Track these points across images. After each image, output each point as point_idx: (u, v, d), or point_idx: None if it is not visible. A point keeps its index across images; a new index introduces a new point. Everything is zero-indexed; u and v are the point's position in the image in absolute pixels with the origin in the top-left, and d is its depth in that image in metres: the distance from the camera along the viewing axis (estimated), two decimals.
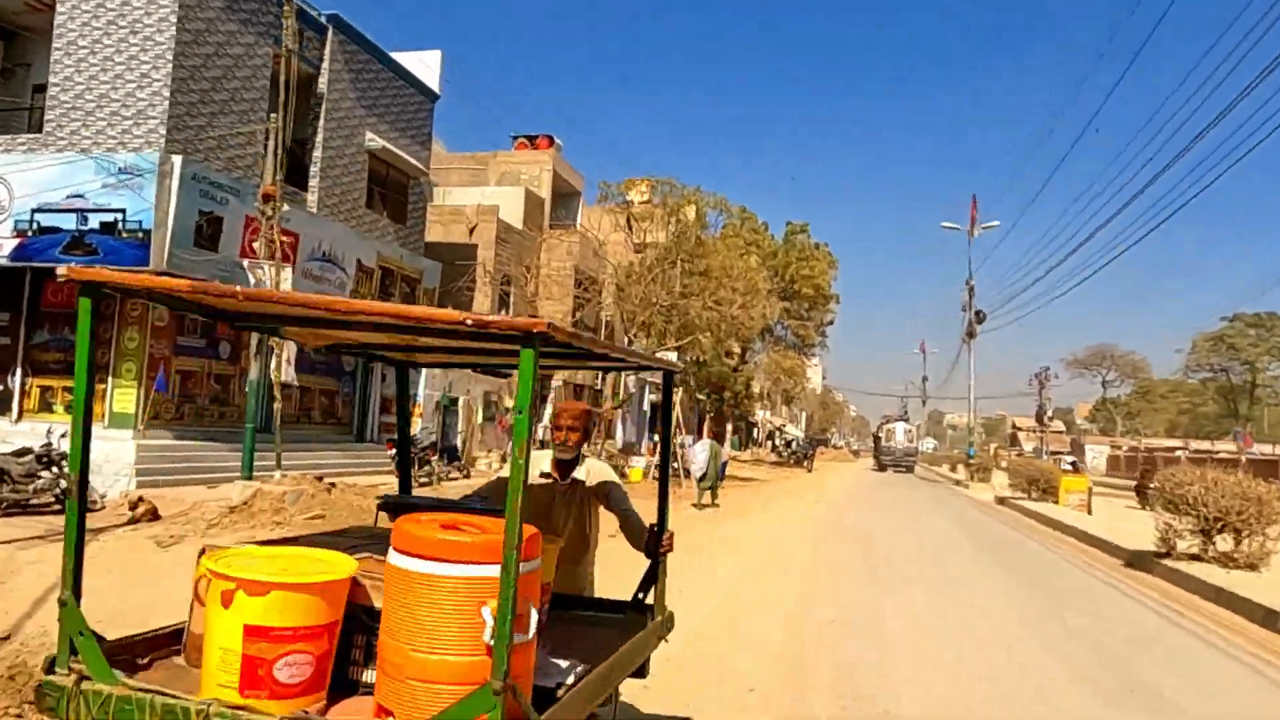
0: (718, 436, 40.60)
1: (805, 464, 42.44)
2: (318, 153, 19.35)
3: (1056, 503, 23.91)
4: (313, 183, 19.36)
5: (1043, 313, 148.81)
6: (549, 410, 31.23)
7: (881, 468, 56.18)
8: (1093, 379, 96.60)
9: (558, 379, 30.85)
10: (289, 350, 13.44)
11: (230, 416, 17.54)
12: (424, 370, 23.88)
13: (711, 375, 35.90)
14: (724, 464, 22.71)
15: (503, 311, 28.47)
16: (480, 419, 26.62)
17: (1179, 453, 73.53)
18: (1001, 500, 25.94)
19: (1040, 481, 24.03)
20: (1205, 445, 79.73)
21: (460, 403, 24.89)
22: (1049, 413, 79.55)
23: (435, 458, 20.64)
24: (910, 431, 63.95)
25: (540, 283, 30.02)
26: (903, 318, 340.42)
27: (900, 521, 19.13)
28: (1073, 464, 30.17)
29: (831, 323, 47.55)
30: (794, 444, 59.77)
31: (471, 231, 27.78)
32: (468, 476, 22.26)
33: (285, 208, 14.30)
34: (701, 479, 20.59)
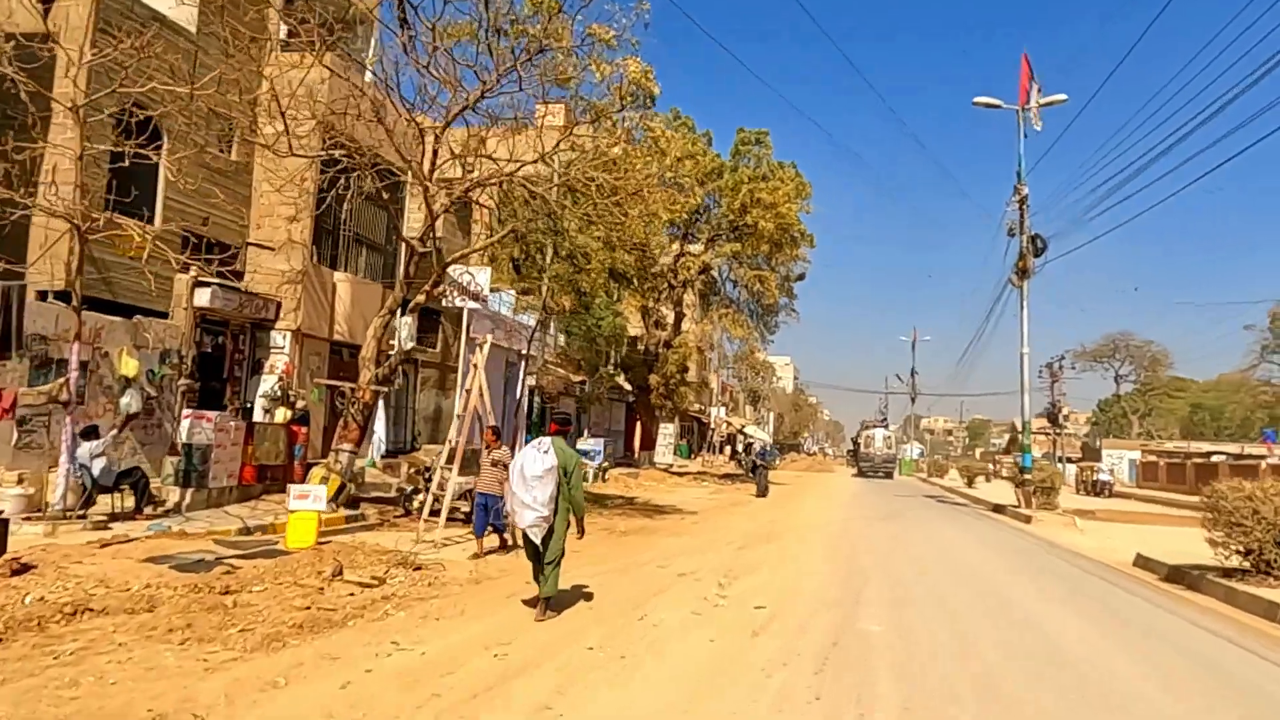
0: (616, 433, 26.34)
1: (756, 481, 27.99)
2: None
3: None
4: None
5: (1059, 292, 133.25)
6: (268, 382, 16.75)
7: (861, 474, 53.94)
8: (1105, 373, 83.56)
9: (282, 328, 16.27)
10: None
11: None
12: None
13: (605, 333, 21.30)
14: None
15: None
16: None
17: (1215, 458, 60.74)
18: (1183, 576, 11.71)
19: None
20: (1235, 449, 67.17)
21: None
22: (1064, 411, 66.25)
23: None
24: (889, 438, 61.38)
25: (259, 135, 15.46)
26: (890, 299, 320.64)
27: None
28: None
29: (802, 277, 33.60)
30: (754, 451, 45.60)
31: (48, 10, 13.26)
32: None
33: None
34: (545, 549, 6.62)
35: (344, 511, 14.20)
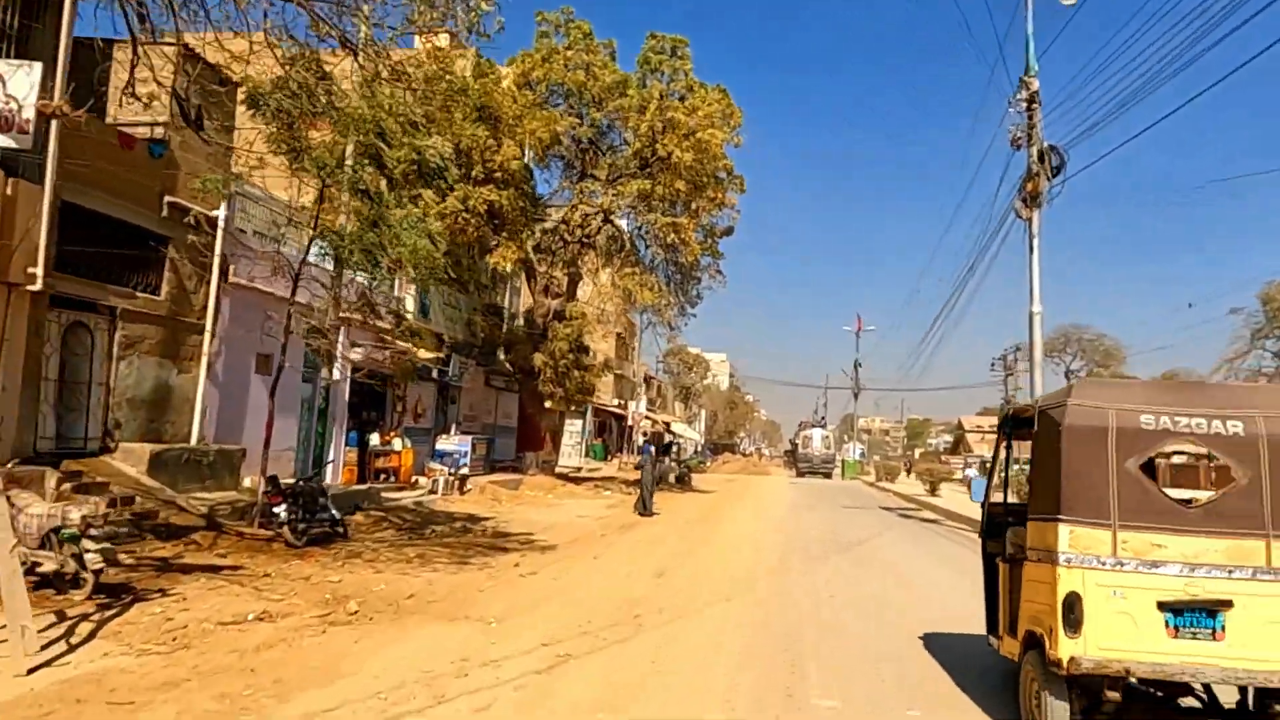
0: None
1: (638, 496, 20.31)
2: None
3: None
4: None
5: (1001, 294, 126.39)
6: None
7: (800, 475, 51.45)
8: (1055, 368, 78.56)
9: None
10: None
11: None
12: None
13: (406, 258, 13.39)
14: None
15: None
16: None
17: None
18: None
19: None
20: None
21: None
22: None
23: None
24: (827, 438, 58.68)
25: None
26: (836, 287, 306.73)
27: None
28: None
29: (730, 231, 26.49)
30: (674, 452, 38.74)
31: None
32: None
33: None
34: None
35: None
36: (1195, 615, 4.41)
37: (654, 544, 14.21)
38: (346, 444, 20.10)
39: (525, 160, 23.21)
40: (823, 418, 78.14)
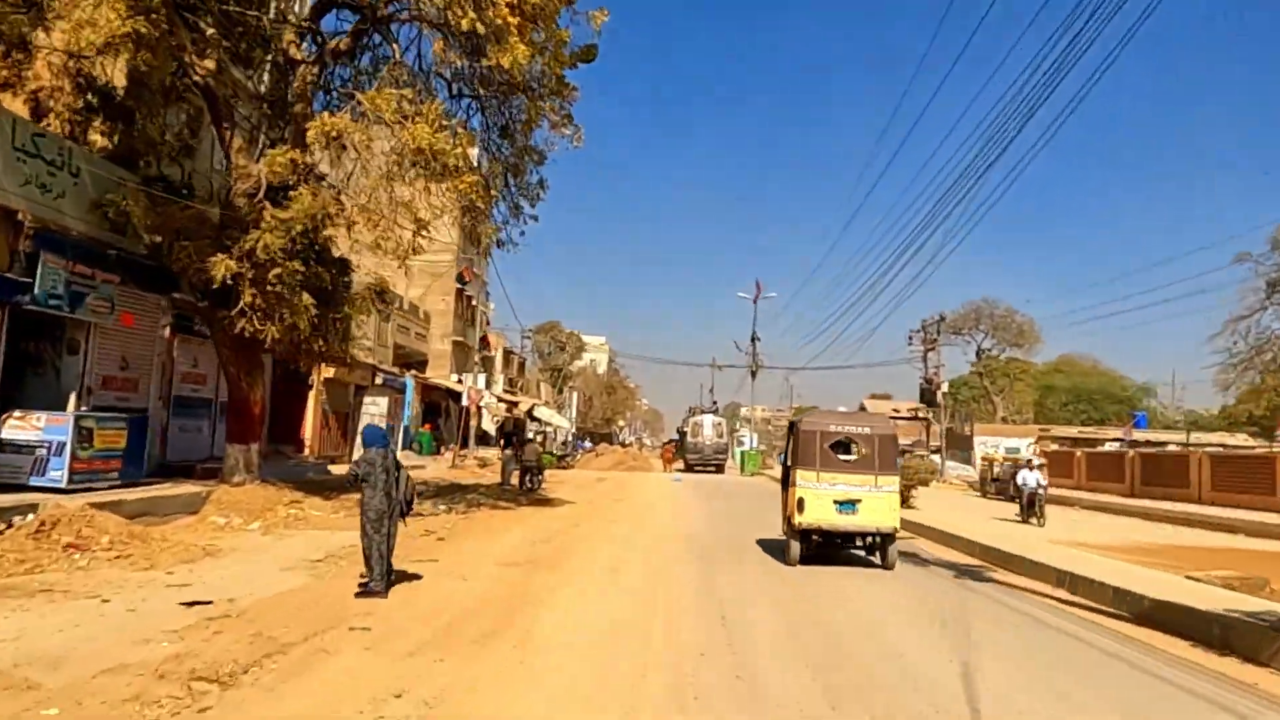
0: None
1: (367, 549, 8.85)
2: None
3: None
4: None
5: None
6: None
7: (689, 468, 45.23)
8: (965, 345, 70.86)
9: None
10: None
11: None
12: None
13: None
14: None
15: None
16: None
17: (1108, 445, 50.00)
18: None
19: None
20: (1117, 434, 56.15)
21: None
22: (944, 388, 51.69)
23: None
24: (719, 425, 50.48)
25: None
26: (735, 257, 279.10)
27: None
28: None
29: (591, 54, 14.75)
30: (516, 442, 27.21)
31: None
32: None
33: None
34: None
35: None
36: (847, 505, 11.33)
37: None
38: None
39: None
40: (714, 402, 68.02)
